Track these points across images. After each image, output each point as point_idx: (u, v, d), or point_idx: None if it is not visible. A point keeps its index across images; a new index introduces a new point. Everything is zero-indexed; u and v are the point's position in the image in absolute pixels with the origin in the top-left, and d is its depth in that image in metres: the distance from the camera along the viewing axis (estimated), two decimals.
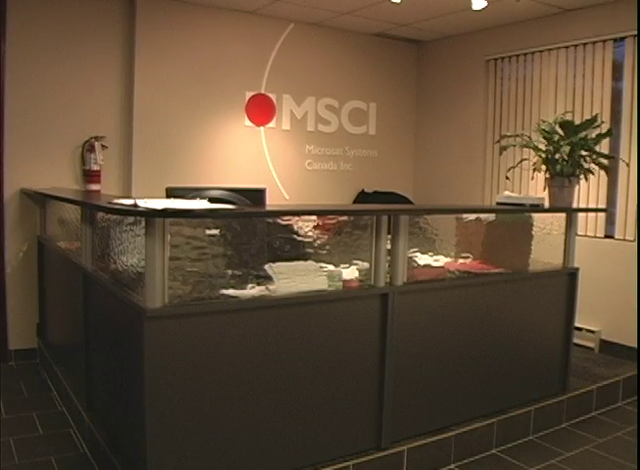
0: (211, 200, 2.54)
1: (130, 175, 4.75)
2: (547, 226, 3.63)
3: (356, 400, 2.82)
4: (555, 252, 3.63)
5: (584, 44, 4.71)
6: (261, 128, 5.31)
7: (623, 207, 4.51)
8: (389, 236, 2.88)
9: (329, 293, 2.71)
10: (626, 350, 4.41)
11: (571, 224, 3.64)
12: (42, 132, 4.44)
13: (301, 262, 2.71)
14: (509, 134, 4.10)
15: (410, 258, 3.02)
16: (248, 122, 5.23)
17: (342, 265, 2.89)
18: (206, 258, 2.53)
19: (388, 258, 2.88)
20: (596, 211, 4.43)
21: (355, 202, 5.74)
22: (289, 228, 2.79)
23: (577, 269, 3.67)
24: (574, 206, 3.83)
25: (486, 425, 3.20)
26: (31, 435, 3.25)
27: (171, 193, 2.94)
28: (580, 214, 4.27)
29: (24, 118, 4.37)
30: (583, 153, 3.55)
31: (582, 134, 3.53)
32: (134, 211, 2.31)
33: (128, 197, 3.23)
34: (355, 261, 2.92)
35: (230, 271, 2.60)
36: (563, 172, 3.53)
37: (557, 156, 3.53)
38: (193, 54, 4.92)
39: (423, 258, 3.16)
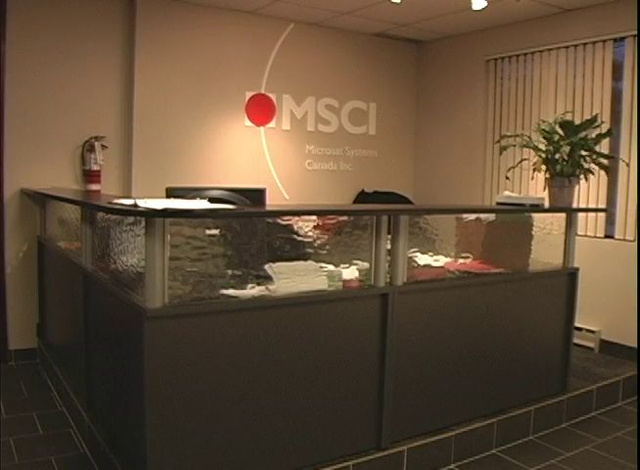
0: (211, 200, 2.54)
1: (130, 175, 4.75)
2: (547, 226, 3.63)
3: (356, 400, 2.82)
4: (555, 252, 3.63)
5: (584, 44, 4.71)
6: (261, 128, 5.31)
7: (623, 207, 4.51)
8: (389, 236, 2.88)
9: (329, 293, 2.71)
10: (626, 350, 4.41)
11: (571, 224, 3.64)
12: (42, 132, 4.44)
13: (301, 262, 2.71)
14: (509, 134, 4.10)
15: (410, 258, 3.02)
16: (248, 122, 5.23)
17: (342, 265, 2.89)
18: (206, 258, 2.53)
19: (388, 258, 2.88)
20: (596, 211, 4.43)
21: (355, 202, 5.74)
22: (289, 228, 2.79)
23: (577, 269, 3.67)
24: (574, 206, 3.83)
25: (486, 425, 3.20)
26: (31, 435, 3.25)
27: (171, 193, 2.94)
28: (580, 214, 4.27)
29: (24, 118, 4.37)
30: (583, 153, 3.55)
31: (582, 134, 3.53)
32: (134, 211, 2.31)
33: (128, 197, 3.23)
34: (355, 261, 2.92)
35: (230, 271, 2.60)
36: (563, 172, 3.53)
37: (557, 156, 3.53)
38: (193, 54, 4.92)
39: (423, 258, 3.16)
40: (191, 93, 4.94)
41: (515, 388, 3.43)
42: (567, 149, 3.48)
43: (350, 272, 2.87)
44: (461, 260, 3.33)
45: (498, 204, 3.69)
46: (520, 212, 3.56)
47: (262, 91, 5.27)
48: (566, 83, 4.85)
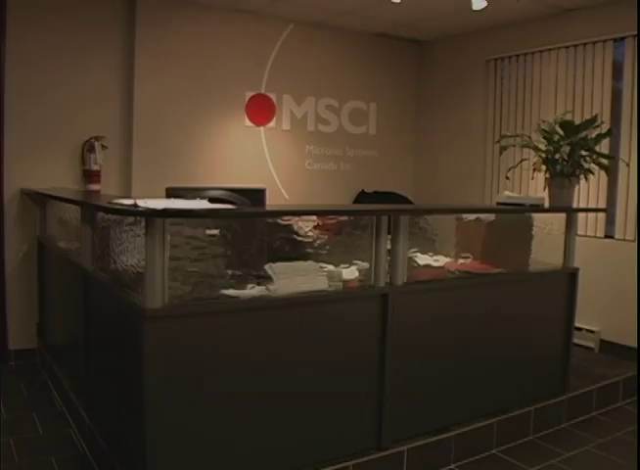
0: (211, 200, 2.54)
1: (130, 175, 4.74)
2: (547, 226, 3.63)
3: (356, 400, 2.82)
4: (555, 252, 3.62)
5: (584, 44, 4.71)
6: (261, 128, 5.31)
7: (623, 207, 4.51)
8: (389, 236, 2.88)
9: (329, 293, 2.71)
10: (626, 350, 4.40)
11: (571, 224, 3.64)
12: (42, 132, 4.43)
13: (301, 262, 2.71)
14: (509, 134, 4.11)
15: (410, 258, 3.02)
16: (248, 122, 5.23)
17: (342, 265, 2.89)
18: (206, 258, 2.54)
19: (389, 258, 2.88)
20: (596, 211, 4.44)
21: (355, 202, 5.74)
22: (289, 228, 2.79)
23: (577, 269, 3.67)
24: (574, 206, 3.83)
25: (486, 425, 3.20)
26: (31, 435, 3.25)
27: (171, 193, 2.93)
28: (580, 214, 4.27)
29: (24, 119, 4.36)
30: (583, 153, 3.54)
31: (582, 134, 3.53)
32: (134, 211, 2.31)
33: (128, 197, 3.23)
34: (355, 261, 2.92)
35: (230, 271, 2.61)
36: (563, 172, 3.53)
37: (557, 156, 3.53)
38: (193, 54, 4.92)
39: (423, 258, 3.16)
40: (191, 93, 4.93)
41: (515, 388, 3.43)
42: (567, 149, 3.48)
43: (350, 272, 2.87)
44: (461, 260, 3.33)
45: (498, 204, 3.69)
46: (520, 212, 3.56)
47: (262, 91, 5.27)
48: (566, 83, 4.85)
